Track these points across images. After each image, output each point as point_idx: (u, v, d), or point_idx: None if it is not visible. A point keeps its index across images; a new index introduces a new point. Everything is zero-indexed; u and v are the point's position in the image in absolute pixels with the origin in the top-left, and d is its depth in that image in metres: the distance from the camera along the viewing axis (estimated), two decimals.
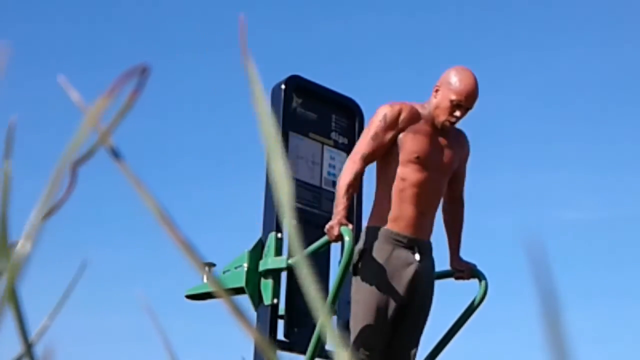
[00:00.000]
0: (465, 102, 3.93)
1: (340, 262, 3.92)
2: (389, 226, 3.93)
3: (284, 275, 4.50)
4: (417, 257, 3.93)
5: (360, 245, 3.93)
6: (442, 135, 4.02)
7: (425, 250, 4.00)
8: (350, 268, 3.91)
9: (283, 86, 4.73)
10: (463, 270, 4.22)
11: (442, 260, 4.22)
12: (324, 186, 4.82)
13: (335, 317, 4.51)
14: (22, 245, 0.57)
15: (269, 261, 4.42)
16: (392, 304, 3.87)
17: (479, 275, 4.23)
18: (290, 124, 4.73)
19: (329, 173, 4.86)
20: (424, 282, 3.97)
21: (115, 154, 0.55)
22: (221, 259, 4.72)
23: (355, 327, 3.89)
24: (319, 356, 4.18)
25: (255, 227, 4.61)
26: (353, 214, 4.76)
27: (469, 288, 4.27)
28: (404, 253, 3.92)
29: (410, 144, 3.94)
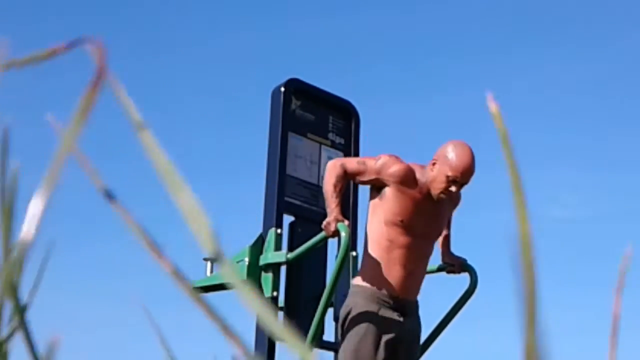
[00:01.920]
0: (461, 179, 3.83)
1: (337, 256, 3.92)
2: (377, 287, 3.87)
3: (283, 269, 4.50)
4: (401, 319, 3.88)
5: (347, 302, 3.90)
6: (435, 202, 3.91)
7: (412, 310, 3.95)
8: (339, 324, 3.89)
9: (282, 89, 4.74)
10: (454, 264, 4.22)
11: (434, 256, 4.22)
12: (321, 184, 4.82)
13: (332, 310, 4.51)
14: (23, 238, 0.57)
15: (269, 256, 4.43)
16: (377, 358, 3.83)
17: (469, 270, 4.23)
18: (290, 125, 4.74)
19: (325, 171, 4.87)
20: (408, 342, 3.92)
21: (110, 196, 0.53)
22: (224, 253, 4.71)
23: None
24: (317, 346, 4.19)
25: (255, 223, 4.61)
26: (349, 209, 4.76)
27: (460, 282, 4.27)
28: (389, 313, 3.87)
29: (395, 204, 3.86)
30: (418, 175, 3.90)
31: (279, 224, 4.52)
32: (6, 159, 0.59)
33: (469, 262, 4.25)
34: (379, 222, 3.89)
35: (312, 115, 4.87)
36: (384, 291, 3.87)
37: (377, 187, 3.92)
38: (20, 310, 0.60)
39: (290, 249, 4.48)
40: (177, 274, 0.51)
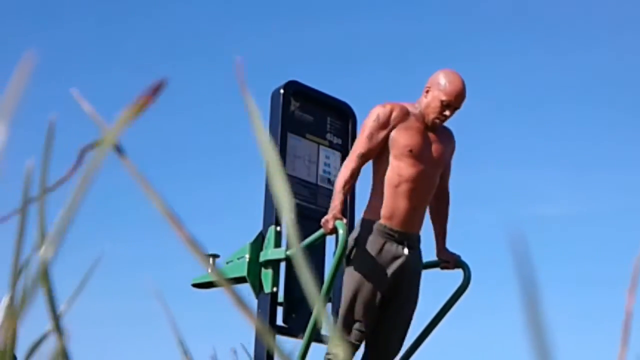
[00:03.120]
0: (455, 102, 3.96)
1: (335, 253, 3.92)
2: (382, 220, 3.93)
3: (282, 266, 4.50)
4: (406, 251, 3.94)
5: (354, 235, 3.94)
6: (431, 132, 4.03)
7: (414, 243, 4.00)
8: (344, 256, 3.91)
9: (282, 91, 4.74)
10: (448, 260, 4.23)
11: (429, 251, 4.22)
12: (319, 183, 4.83)
13: (330, 305, 4.51)
14: (45, 251, 0.57)
15: (268, 252, 4.43)
16: (379, 292, 3.88)
17: (463, 266, 4.23)
18: (289, 125, 4.74)
19: (324, 171, 4.87)
20: (410, 273, 3.97)
21: (121, 151, 0.54)
22: (224, 250, 4.72)
23: (343, 309, 3.91)
24: (315, 340, 4.19)
25: (256, 221, 4.61)
26: (347, 208, 4.76)
27: (454, 277, 4.27)
28: (394, 246, 3.92)
29: (402, 139, 3.95)
30: (411, 109, 4.02)
31: (279, 222, 4.52)
32: (49, 156, 0.58)
33: (463, 258, 4.26)
34: (388, 161, 3.95)
35: (310, 116, 4.87)
36: (390, 224, 3.91)
37: (379, 156, 3.99)
38: (56, 317, 0.60)
39: (290, 245, 4.48)
40: (193, 243, 0.51)
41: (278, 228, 4.49)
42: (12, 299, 0.59)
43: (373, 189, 4.01)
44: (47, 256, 0.57)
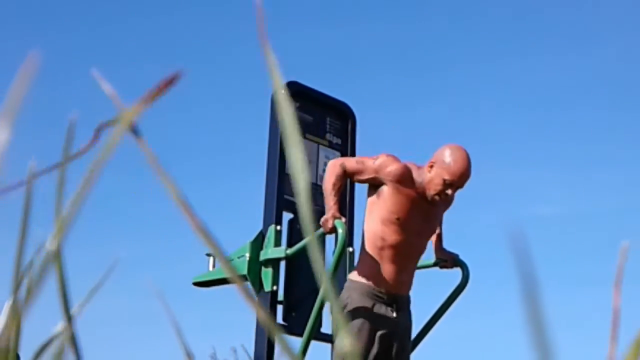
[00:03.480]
0: (458, 183, 3.83)
1: (334, 252, 3.92)
2: (370, 282, 3.87)
3: (282, 264, 4.50)
4: (394, 314, 3.89)
5: (343, 297, 3.89)
6: (430, 202, 3.90)
7: (404, 304, 3.95)
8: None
9: (282, 91, 4.73)
10: (447, 260, 4.22)
11: (428, 251, 4.22)
12: (319, 182, 4.82)
13: (328, 303, 4.51)
14: (50, 242, 0.57)
15: (268, 251, 4.44)
16: (370, 354, 3.84)
17: (461, 265, 4.23)
18: None
19: (323, 170, 4.86)
20: (400, 335, 3.93)
21: (137, 133, 0.55)
22: (225, 249, 4.72)
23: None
24: (315, 338, 4.19)
25: (256, 220, 4.61)
26: (345, 207, 4.76)
27: (453, 276, 4.27)
28: (383, 308, 3.87)
29: (392, 202, 3.84)
30: (415, 175, 3.89)
31: (279, 221, 4.52)
32: (69, 156, 0.58)
33: (461, 257, 4.26)
34: (375, 220, 3.89)
35: (310, 116, 4.88)
36: (378, 287, 3.87)
37: (375, 186, 3.92)
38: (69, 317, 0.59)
39: (289, 245, 4.49)
40: (204, 231, 0.51)
41: (278, 227, 4.49)
42: (15, 296, 0.59)
43: (361, 250, 3.95)
44: (57, 241, 0.57)
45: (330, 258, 4.06)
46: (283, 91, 0.50)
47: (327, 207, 3.87)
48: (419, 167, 3.92)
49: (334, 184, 3.87)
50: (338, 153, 4.92)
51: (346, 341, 0.48)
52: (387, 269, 3.87)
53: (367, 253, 3.90)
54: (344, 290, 3.93)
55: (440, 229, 4.23)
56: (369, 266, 3.89)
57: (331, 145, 4.95)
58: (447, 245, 4.25)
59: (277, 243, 4.46)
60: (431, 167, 3.85)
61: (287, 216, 4.64)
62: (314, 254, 0.48)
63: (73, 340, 0.59)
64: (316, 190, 4.80)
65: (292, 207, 4.66)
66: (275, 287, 4.42)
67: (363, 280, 3.88)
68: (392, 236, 3.85)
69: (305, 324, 4.03)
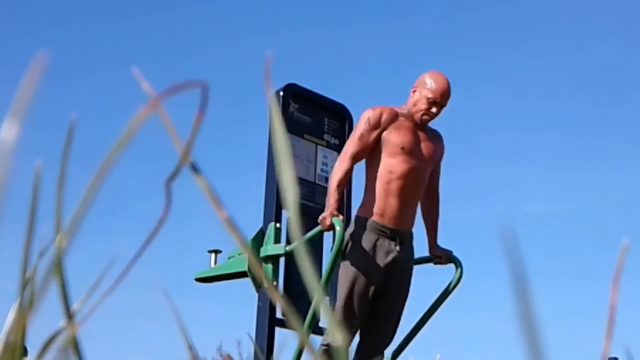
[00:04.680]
0: (441, 100, 3.99)
1: (332, 249, 3.92)
2: (375, 218, 3.93)
3: (282, 261, 4.50)
4: (398, 247, 3.94)
5: (348, 231, 3.94)
6: (421, 131, 4.06)
7: (406, 240, 4.00)
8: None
9: (281, 93, 4.74)
10: (441, 256, 4.23)
11: (422, 248, 4.22)
12: (317, 182, 4.83)
13: (327, 298, 4.51)
14: (65, 233, 0.57)
15: (268, 248, 4.44)
16: (372, 286, 3.89)
17: (455, 261, 4.23)
18: (288, 126, 4.74)
19: (322, 170, 4.87)
20: (402, 268, 3.97)
21: (195, 169, 0.56)
22: (226, 246, 4.73)
23: (338, 302, 3.92)
24: (313, 332, 4.19)
25: (256, 218, 4.62)
26: (343, 205, 4.76)
27: (446, 272, 4.27)
28: (386, 242, 3.92)
29: (394, 138, 3.96)
30: (399, 110, 4.05)
31: (278, 219, 4.53)
32: (68, 156, 0.58)
33: (455, 254, 4.26)
34: (379, 161, 3.96)
35: (308, 117, 4.88)
36: (382, 222, 3.92)
37: (372, 154, 4.00)
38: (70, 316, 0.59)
39: (289, 242, 4.49)
40: (231, 223, 0.52)
41: (278, 225, 4.49)
42: (22, 293, 0.59)
43: (366, 188, 4.01)
44: (62, 246, 0.57)
45: (329, 255, 4.06)
46: (281, 135, 0.51)
47: (326, 205, 3.88)
48: (399, 107, 4.07)
49: (340, 180, 3.90)
50: (336, 153, 4.92)
51: (337, 336, 0.48)
52: (392, 204, 3.93)
53: (371, 189, 3.96)
54: (350, 225, 3.98)
55: (436, 225, 4.23)
56: (374, 201, 3.95)
57: (329, 146, 4.95)
58: (441, 241, 4.26)
59: (277, 240, 4.46)
60: (414, 91, 4.04)
61: (286, 214, 4.64)
62: (304, 262, 0.48)
63: (74, 339, 0.59)
64: (315, 189, 4.80)
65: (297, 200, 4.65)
66: (275, 283, 4.42)
67: (367, 215, 3.94)
68: (400, 166, 3.94)
69: (304, 319, 4.03)
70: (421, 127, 4.06)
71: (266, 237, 4.47)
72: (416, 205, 4.06)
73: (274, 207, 4.52)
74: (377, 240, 3.91)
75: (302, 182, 4.78)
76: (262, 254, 4.44)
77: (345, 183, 3.97)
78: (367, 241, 3.90)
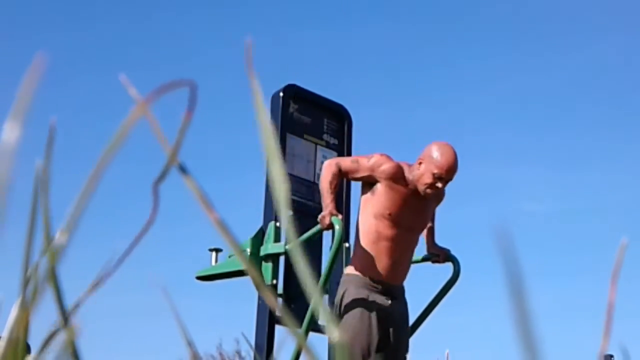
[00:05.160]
0: (446, 176, 3.86)
1: (331, 247, 3.92)
2: (366, 274, 3.88)
3: (282, 259, 4.51)
4: (389, 302, 3.90)
5: (341, 291, 3.91)
6: (421, 198, 3.94)
7: (398, 293, 3.97)
8: (334, 309, 3.90)
9: (281, 94, 4.74)
10: (439, 255, 4.22)
11: (420, 247, 4.22)
12: (317, 181, 4.83)
13: (327, 296, 4.51)
14: (61, 234, 0.57)
15: (268, 247, 4.44)
16: (372, 343, 3.85)
17: (453, 259, 4.23)
18: (288, 126, 4.75)
19: (321, 170, 4.87)
20: (397, 322, 3.94)
21: (183, 170, 0.56)
22: (227, 245, 4.72)
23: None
24: (313, 330, 4.19)
25: (256, 217, 4.62)
26: (342, 207, 4.76)
27: (444, 270, 4.27)
28: (378, 297, 3.89)
29: (385, 199, 3.87)
30: (406, 173, 3.92)
31: (278, 218, 4.52)
32: (50, 159, 0.58)
33: (452, 252, 4.26)
34: (369, 216, 3.90)
35: (308, 117, 4.88)
36: (373, 278, 3.88)
37: (369, 183, 3.93)
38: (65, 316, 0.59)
39: (288, 241, 4.48)
40: (222, 224, 0.52)
41: (277, 224, 4.49)
42: (24, 290, 0.59)
43: (356, 245, 3.96)
44: (58, 247, 0.57)
45: (328, 253, 4.06)
46: (267, 120, 0.51)
47: (324, 205, 3.87)
48: (410, 166, 3.95)
49: (330, 182, 3.88)
50: (335, 153, 4.93)
51: (335, 333, 0.48)
52: (382, 262, 3.88)
53: (361, 247, 3.91)
54: (340, 285, 3.94)
55: (433, 225, 4.23)
56: (364, 259, 3.90)
57: (328, 146, 4.95)
58: (438, 240, 4.26)
59: (277, 239, 4.47)
60: (420, 163, 3.90)
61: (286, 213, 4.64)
62: (298, 262, 0.48)
63: (72, 341, 0.59)
64: (314, 189, 4.81)
65: (291, 205, 4.66)
66: (274, 281, 4.42)
67: (358, 273, 3.90)
68: (385, 231, 3.87)
69: (304, 316, 4.03)
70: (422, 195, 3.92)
71: (266, 236, 4.48)
72: (409, 260, 3.99)
73: (274, 207, 4.52)
74: (369, 295, 3.87)
75: (302, 182, 4.78)
76: (262, 253, 4.45)
77: (337, 182, 3.93)
78: (360, 299, 3.86)
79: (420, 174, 3.87)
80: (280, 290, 4.50)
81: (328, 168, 3.92)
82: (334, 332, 0.48)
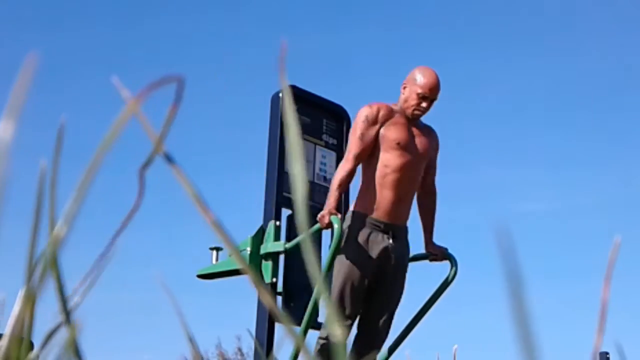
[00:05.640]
0: (430, 94, 3.98)
1: (330, 246, 3.92)
2: (369, 212, 3.94)
3: (281, 258, 4.51)
4: (391, 241, 3.93)
5: (344, 226, 3.93)
6: (415, 127, 4.07)
7: (400, 234, 4.00)
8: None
9: (281, 94, 4.74)
10: (437, 253, 4.23)
11: (419, 245, 4.22)
12: (316, 181, 4.83)
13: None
14: (60, 228, 0.57)
15: (268, 245, 4.44)
16: (367, 279, 3.89)
17: (450, 258, 4.23)
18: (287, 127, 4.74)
19: (320, 169, 4.87)
20: (396, 262, 3.97)
21: (169, 159, 0.56)
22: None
23: (333, 294, 3.91)
24: (312, 327, 4.19)
25: (257, 216, 4.62)
26: (341, 206, 4.76)
27: (442, 269, 4.27)
28: (379, 236, 3.92)
29: (390, 133, 3.97)
30: (394, 107, 4.05)
31: (278, 217, 4.53)
32: (59, 156, 0.58)
33: (450, 251, 4.26)
34: (376, 157, 3.96)
35: (307, 118, 4.88)
36: (376, 216, 3.92)
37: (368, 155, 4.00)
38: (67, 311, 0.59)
39: (288, 239, 4.49)
40: (218, 226, 0.52)
41: (277, 223, 4.49)
42: (28, 285, 0.59)
43: (362, 183, 4.02)
44: (57, 241, 0.57)
45: (327, 251, 4.06)
46: (294, 126, 0.51)
47: (326, 203, 3.88)
48: (393, 104, 4.07)
49: (343, 181, 3.91)
50: (334, 153, 4.93)
51: (336, 332, 0.48)
52: (387, 198, 3.93)
53: (367, 185, 3.97)
54: (345, 220, 3.96)
55: (432, 224, 4.23)
56: (369, 196, 3.95)
57: (327, 146, 4.95)
58: (436, 239, 4.25)
59: (277, 238, 4.46)
60: (404, 88, 4.04)
61: (285, 212, 4.65)
62: (308, 254, 0.48)
63: (73, 338, 0.59)
64: (313, 188, 4.80)
65: (291, 204, 4.66)
66: (274, 279, 4.42)
67: (362, 210, 3.94)
68: (395, 160, 3.94)
69: (303, 314, 4.03)
70: (414, 122, 4.07)
71: (266, 235, 4.47)
72: (411, 200, 4.06)
73: (274, 206, 4.52)
74: (370, 233, 3.91)
75: None
76: (262, 251, 4.45)
77: (347, 183, 3.97)
78: (361, 235, 3.91)
79: (406, 97, 4.02)
80: (280, 288, 4.50)
81: (345, 164, 3.97)
82: (334, 330, 0.48)
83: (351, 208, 4.03)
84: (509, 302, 0.42)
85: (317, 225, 3.93)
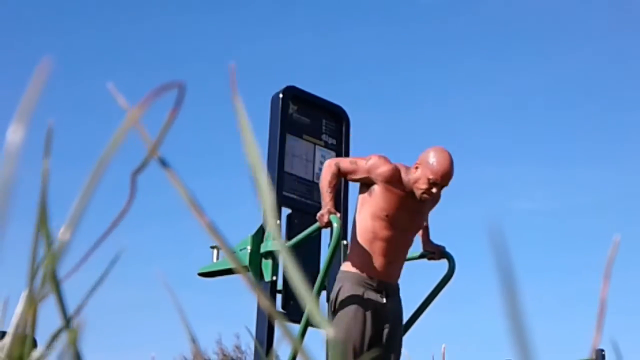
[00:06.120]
0: (442, 182, 3.84)
1: (329, 244, 3.92)
2: (361, 272, 3.88)
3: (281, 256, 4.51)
4: (384, 299, 3.90)
5: (337, 287, 3.90)
6: (417, 200, 3.92)
7: (392, 291, 3.96)
8: (329, 304, 3.91)
9: (281, 95, 4.74)
10: (434, 252, 4.22)
11: (416, 244, 4.22)
12: (315, 180, 4.83)
13: (325, 292, 4.52)
14: (63, 233, 0.57)
15: (269, 244, 4.44)
16: (365, 338, 3.84)
17: (448, 256, 4.23)
18: (287, 127, 4.75)
19: (320, 169, 4.87)
20: (391, 321, 3.94)
21: (164, 164, 0.56)
22: (230, 242, 4.72)
23: None
24: (311, 325, 4.19)
25: (257, 215, 4.62)
26: (340, 205, 4.76)
27: (439, 267, 4.27)
28: (373, 295, 3.88)
29: (382, 200, 3.86)
30: (403, 175, 3.90)
31: (278, 216, 4.53)
32: (48, 158, 0.59)
33: (448, 249, 4.26)
34: (365, 215, 3.90)
35: (307, 118, 4.88)
36: (369, 276, 3.88)
37: (366, 184, 3.93)
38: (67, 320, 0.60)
39: (288, 238, 4.49)
40: (213, 229, 0.53)
41: (277, 221, 4.49)
42: (31, 285, 0.59)
43: (352, 243, 3.96)
44: (61, 243, 0.57)
45: (326, 250, 4.06)
46: (252, 144, 0.52)
47: (323, 203, 3.87)
48: (407, 168, 3.93)
49: (330, 182, 3.88)
50: (333, 153, 4.93)
51: (331, 331, 0.48)
52: (377, 260, 3.89)
53: (358, 245, 3.91)
54: (336, 281, 3.94)
55: (428, 223, 4.23)
56: (360, 257, 3.90)
57: (327, 146, 4.96)
58: (433, 238, 4.26)
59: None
60: (417, 168, 3.88)
61: (285, 211, 4.65)
62: (289, 265, 0.49)
63: (74, 339, 0.59)
64: (313, 188, 4.81)
65: (291, 203, 4.67)
66: (274, 277, 4.43)
67: (354, 270, 3.90)
68: (381, 231, 3.87)
69: (303, 312, 4.03)
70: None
71: (266, 234, 4.48)
72: (403, 260, 3.99)
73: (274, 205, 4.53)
74: (364, 292, 3.87)
75: (301, 181, 4.79)
76: (262, 250, 4.45)
77: (336, 181, 3.93)
78: (355, 294, 3.86)
79: (416, 179, 3.86)
80: (280, 286, 4.50)
81: (328, 168, 3.93)
82: (329, 330, 0.48)
83: (343, 267, 3.97)
84: (503, 300, 0.42)
85: (316, 225, 3.93)
